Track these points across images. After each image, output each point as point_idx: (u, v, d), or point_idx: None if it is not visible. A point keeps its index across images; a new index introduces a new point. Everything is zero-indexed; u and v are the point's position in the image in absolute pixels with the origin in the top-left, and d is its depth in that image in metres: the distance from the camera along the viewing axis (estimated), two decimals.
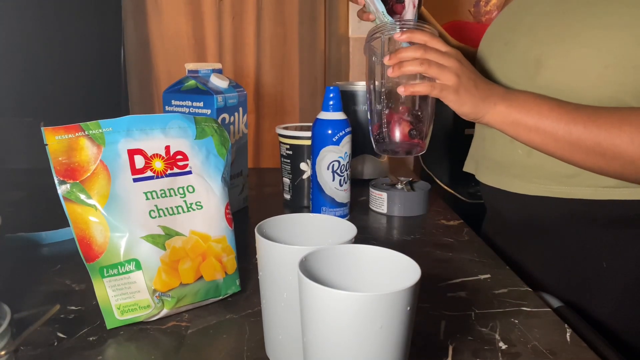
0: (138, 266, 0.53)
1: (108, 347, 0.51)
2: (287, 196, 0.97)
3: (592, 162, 0.66)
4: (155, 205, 0.55)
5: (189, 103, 0.84)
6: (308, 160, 0.93)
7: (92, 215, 0.51)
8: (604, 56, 0.67)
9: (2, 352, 0.39)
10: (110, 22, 1.77)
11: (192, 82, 0.84)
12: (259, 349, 0.51)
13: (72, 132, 0.52)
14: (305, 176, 0.94)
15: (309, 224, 0.52)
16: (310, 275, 0.38)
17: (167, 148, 0.57)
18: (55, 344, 0.51)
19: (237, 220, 0.60)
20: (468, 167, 0.95)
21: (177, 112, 0.86)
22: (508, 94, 0.69)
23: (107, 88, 1.80)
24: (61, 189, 0.51)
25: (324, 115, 0.83)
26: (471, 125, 1.51)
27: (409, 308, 0.36)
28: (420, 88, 0.69)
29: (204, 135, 0.59)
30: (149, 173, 0.55)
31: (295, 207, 0.96)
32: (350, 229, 0.49)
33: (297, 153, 0.93)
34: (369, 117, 0.78)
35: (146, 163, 0.55)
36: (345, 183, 0.85)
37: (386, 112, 0.76)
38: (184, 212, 0.56)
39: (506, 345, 0.52)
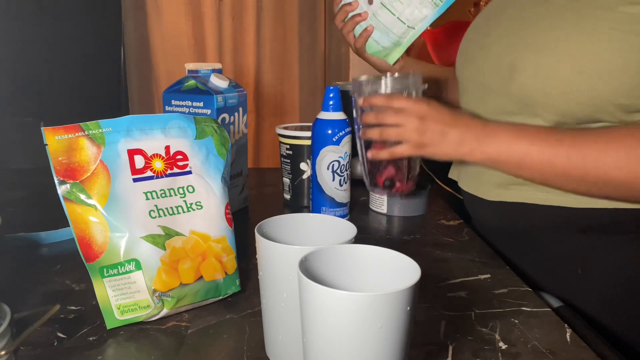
0: (138, 266, 0.53)
1: (108, 347, 0.51)
2: (287, 196, 0.97)
3: (585, 189, 0.65)
4: (155, 205, 0.55)
5: (189, 103, 0.84)
6: (308, 160, 0.93)
7: (92, 215, 0.51)
8: (577, 62, 0.65)
9: (2, 352, 0.39)
10: (110, 21, 1.77)
11: (192, 82, 0.84)
12: (259, 349, 0.51)
13: (72, 132, 0.52)
14: (305, 176, 0.94)
15: (309, 224, 0.52)
16: (310, 275, 0.38)
17: (167, 148, 0.57)
18: (55, 344, 0.51)
19: (237, 220, 0.60)
20: (452, 174, 0.94)
21: (177, 112, 0.86)
22: (483, 135, 0.68)
23: (107, 88, 1.80)
24: (61, 189, 0.51)
25: (324, 115, 0.83)
26: None
27: (409, 308, 0.36)
28: (383, 155, 0.73)
29: (204, 135, 0.59)
30: (149, 173, 0.55)
31: (295, 207, 0.96)
32: (350, 229, 0.49)
33: (297, 153, 0.93)
34: (359, 154, 0.81)
35: (146, 163, 0.55)
36: (345, 183, 0.85)
37: (369, 157, 0.79)
38: (184, 212, 0.56)
39: (506, 345, 0.52)
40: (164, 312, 0.55)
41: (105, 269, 0.52)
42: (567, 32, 0.66)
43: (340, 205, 0.86)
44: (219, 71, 0.88)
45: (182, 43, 1.73)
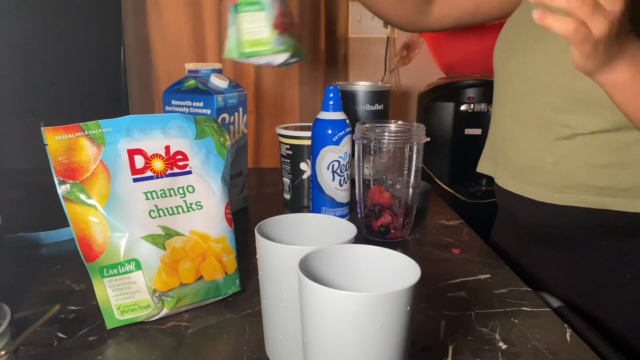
0: (138, 266, 0.53)
1: (108, 347, 0.51)
2: (287, 196, 0.97)
3: None
4: (155, 205, 0.55)
5: (189, 103, 0.84)
6: (308, 160, 0.93)
7: (92, 215, 0.51)
8: None
9: (2, 352, 0.39)
10: (110, 22, 1.77)
11: (192, 82, 0.84)
12: (259, 349, 0.51)
13: (72, 132, 0.52)
14: (305, 176, 0.94)
15: (309, 224, 0.52)
16: (310, 275, 0.38)
17: (167, 148, 0.56)
18: (55, 344, 0.51)
19: (237, 220, 0.60)
20: (484, 168, 0.89)
21: (177, 112, 0.86)
22: (636, 57, 0.56)
23: (107, 88, 1.80)
24: (61, 189, 0.51)
25: (324, 115, 0.83)
26: (471, 125, 1.52)
27: (409, 308, 0.36)
28: (559, 25, 0.52)
29: (204, 135, 0.59)
30: (148, 173, 0.55)
31: (295, 207, 0.96)
32: (350, 229, 0.49)
33: (297, 153, 0.93)
34: (357, 198, 0.82)
35: (146, 163, 0.55)
36: (345, 183, 0.85)
37: (369, 203, 0.81)
38: (184, 212, 0.56)
39: (506, 345, 0.52)
40: (164, 312, 0.55)
41: (105, 269, 0.52)
42: None
43: (340, 205, 0.86)
44: (219, 71, 0.88)
45: (182, 43, 1.73)
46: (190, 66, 0.86)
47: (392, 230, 0.79)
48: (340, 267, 0.43)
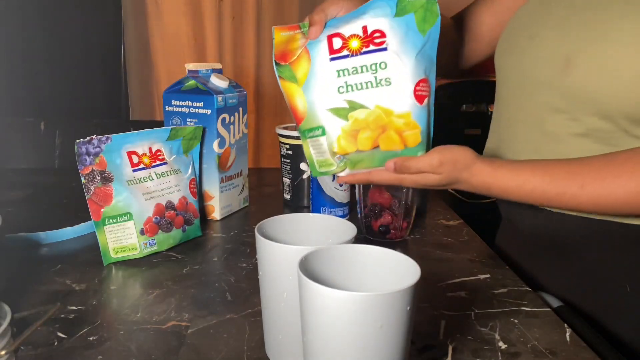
0: (324, 132, 0.62)
1: (108, 347, 0.51)
2: (287, 196, 0.98)
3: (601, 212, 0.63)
4: (345, 82, 0.61)
5: (189, 103, 0.84)
6: None
7: (295, 90, 0.62)
8: None
9: (3, 352, 0.39)
10: (110, 22, 1.77)
11: (192, 82, 0.85)
12: (259, 349, 0.51)
13: (293, 30, 0.63)
14: (305, 176, 0.94)
15: (309, 224, 0.52)
16: (310, 275, 0.38)
17: (365, 28, 0.60)
18: (55, 344, 0.51)
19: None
20: None
21: (177, 112, 0.86)
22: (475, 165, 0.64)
23: (107, 88, 1.80)
24: (277, 70, 0.62)
25: None
26: (471, 125, 1.52)
27: (408, 308, 0.36)
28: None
29: (404, 12, 0.60)
30: (345, 52, 0.61)
31: (295, 207, 0.97)
32: (350, 229, 0.49)
33: (297, 153, 0.93)
34: (357, 198, 0.82)
35: (343, 43, 0.61)
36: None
37: (369, 203, 0.81)
38: (372, 87, 0.60)
39: (506, 345, 0.52)
40: (346, 171, 0.64)
41: (306, 132, 0.63)
42: (635, 22, 0.60)
43: (340, 205, 0.86)
44: (219, 71, 0.88)
45: (182, 43, 1.73)
46: (190, 66, 0.86)
47: (392, 230, 0.80)
48: (340, 267, 0.43)
